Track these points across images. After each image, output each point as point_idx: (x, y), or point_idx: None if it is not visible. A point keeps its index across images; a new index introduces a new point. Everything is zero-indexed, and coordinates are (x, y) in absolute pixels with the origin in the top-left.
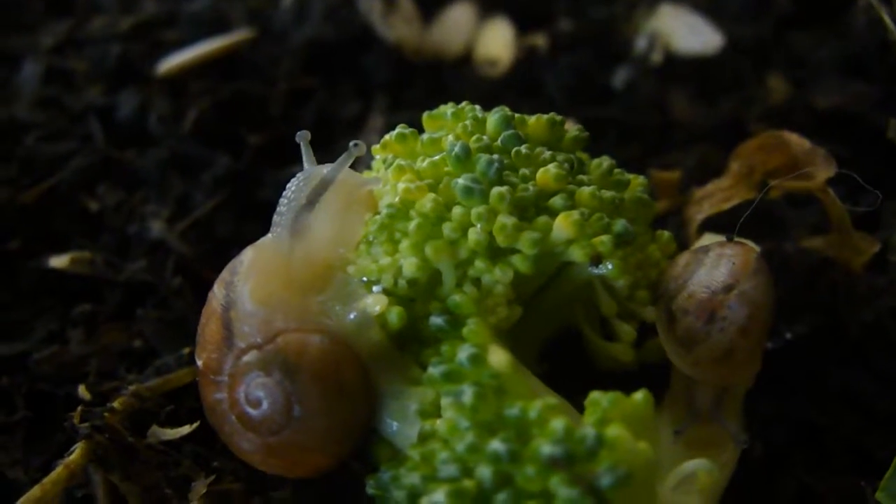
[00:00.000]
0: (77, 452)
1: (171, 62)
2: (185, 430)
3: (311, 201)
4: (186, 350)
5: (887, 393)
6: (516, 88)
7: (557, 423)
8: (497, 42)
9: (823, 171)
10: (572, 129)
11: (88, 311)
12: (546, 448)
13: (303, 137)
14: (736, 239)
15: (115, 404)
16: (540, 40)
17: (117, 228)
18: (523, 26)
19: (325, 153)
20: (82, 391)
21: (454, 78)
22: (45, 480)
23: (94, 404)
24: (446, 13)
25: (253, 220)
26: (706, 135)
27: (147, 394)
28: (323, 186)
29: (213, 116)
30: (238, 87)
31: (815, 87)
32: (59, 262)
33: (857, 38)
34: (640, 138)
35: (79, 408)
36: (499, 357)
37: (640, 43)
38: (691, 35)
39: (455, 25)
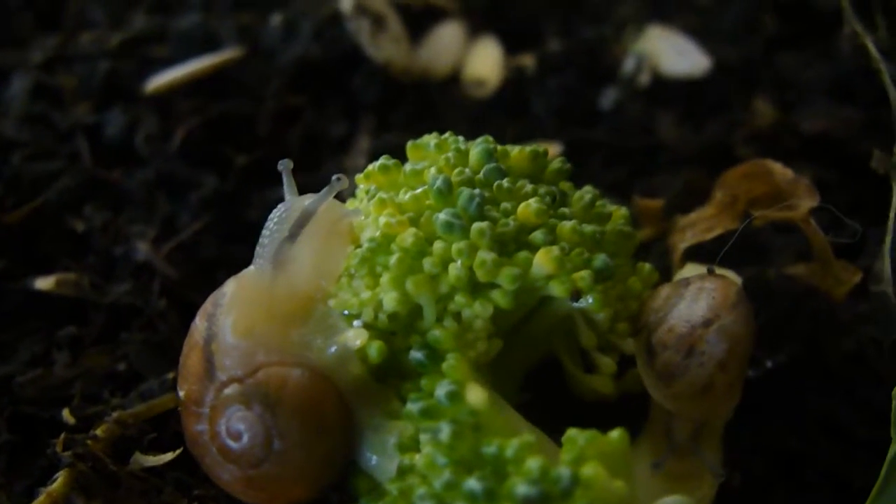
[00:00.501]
0: (59, 481)
1: (160, 80)
2: (168, 456)
3: (293, 234)
4: (171, 375)
5: (867, 421)
6: (504, 109)
7: (533, 463)
8: (485, 62)
9: (806, 201)
10: (555, 160)
11: (73, 334)
12: (521, 489)
13: (285, 166)
14: (717, 271)
15: (98, 431)
16: (528, 61)
17: (103, 250)
18: (512, 47)
19: (312, 174)
20: (66, 415)
21: (442, 98)
22: None
23: (78, 429)
24: (435, 33)
25: (239, 241)
26: (692, 158)
27: (130, 420)
28: (305, 219)
29: (200, 136)
30: (226, 106)
31: (802, 111)
32: (44, 283)
33: (844, 61)
34: (627, 161)
35: (62, 435)
36: (476, 395)
37: (628, 64)
38: (679, 57)
39: (443, 45)
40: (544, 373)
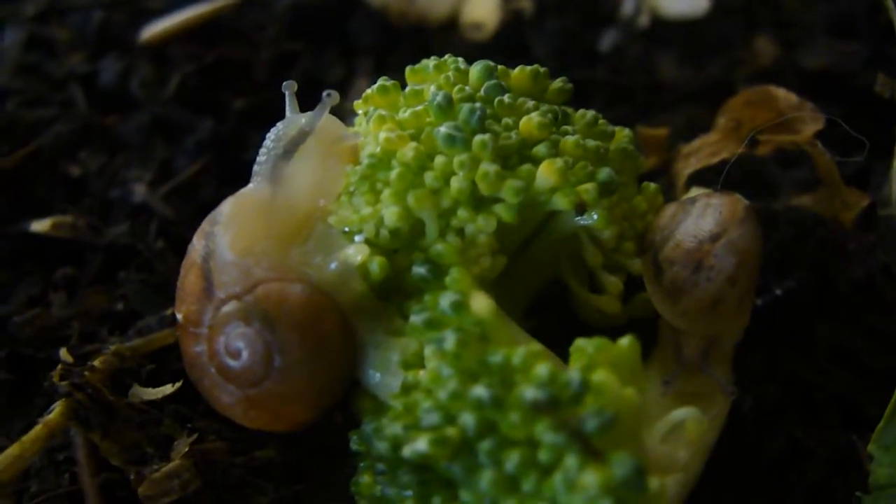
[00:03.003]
0: (56, 411)
1: (154, 29)
2: (168, 389)
3: (289, 151)
4: (169, 311)
5: (877, 349)
6: (502, 52)
7: (542, 369)
8: (483, 5)
9: (811, 124)
10: (557, 80)
11: (70, 275)
12: (530, 393)
13: (289, 87)
14: (723, 190)
15: (96, 363)
16: (526, 3)
17: (99, 193)
18: None
19: None
20: (64, 354)
21: (439, 42)
22: (24, 438)
23: (75, 366)
24: None
25: (237, 183)
26: (694, 96)
27: (128, 353)
28: (301, 136)
29: (196, 82)
30: (222, 53)
31: (804, 48)
32: (40, 226)
33: None
34: (628, 100)
35: (59, 366)
36: (481, 303)
37: (627, 6)
38: None
39: None
40: (549, 301)
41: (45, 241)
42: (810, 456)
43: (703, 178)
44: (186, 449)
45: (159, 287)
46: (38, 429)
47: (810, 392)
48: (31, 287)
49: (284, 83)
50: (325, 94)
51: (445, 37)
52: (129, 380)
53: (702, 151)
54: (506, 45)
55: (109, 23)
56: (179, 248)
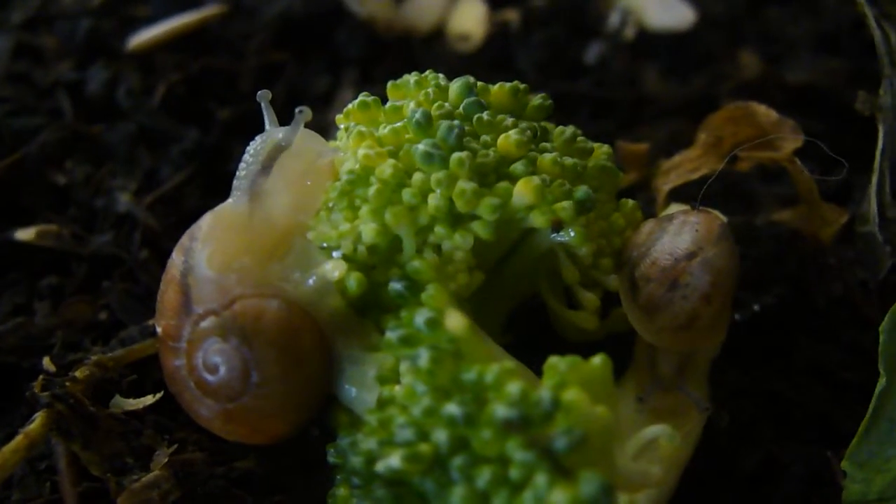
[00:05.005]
0: (37, 421)
1: (142, 37)
2: (148, 400)
3: (266, 166)
4: (151, 322)
5: (854, 364)
6: (488, 64)
7: (513, 387)
8: (469, 17)
9: (791, 141)
10: (536, 97)
11: (54, 284)
12: (501, 411)
13: (264, 97)
14: (701, 207)
15: (77, 374)
16: (512, 15)
17: (85, 202)
18: (496, 1)
19: None
20: (47, 363)
21: (426, 53)
22: (5, 449)
23: (57, 376)
24: None
25: (221, 193)
26: (678, 110)
27: (110, 364)
28: (276, 151)
29: (182, 91)
30: (208, 63)
31: (788, 64)
32: (25, 234)
33: (830, 14)
34: (612, 113)
35: (40, 377)
36: (456, 321)
37: (613, 18)
38: (664, 10)
39: (427, 1)
40: (526, 317)
41: (30, 250)
42: (785, 471)
43: (684, 192)
44: (166, 459)
45: (142, 297)
46: (19, 439)
47: (787, 407)
48: (15, 296)
49: (259, 93)
50: (297, 110)
51: (432, 48)
52: (111, 390)
53: (682, 167)
54: (492, 56)
55: (97, 31)
56: (163, 257)
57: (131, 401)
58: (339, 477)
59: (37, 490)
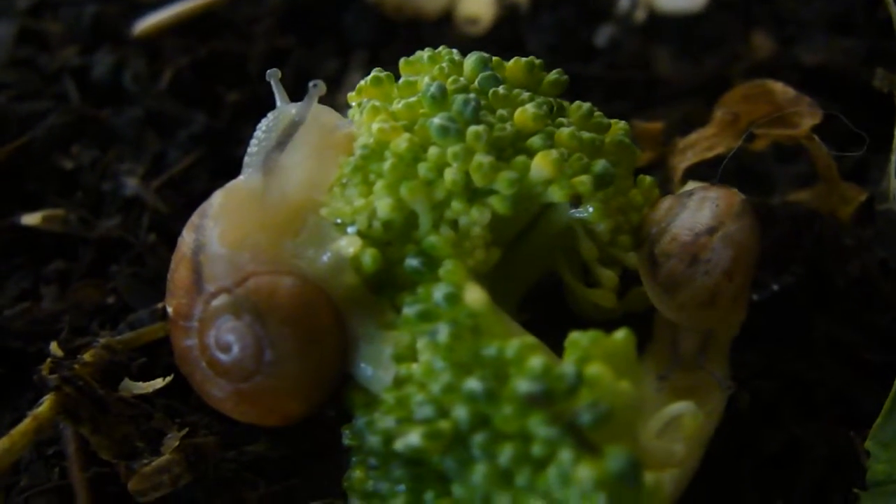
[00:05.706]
0: (46, 404)
1: (148, 22)
2: (158, 383)
3: (282, 142)
4: (160, 305)
5: (874, 344)
6: (498, 47)
7: (535, 361)
8: (478, 0)
9: (809, 119)
10: (552, 72)
11: (62, 269)
12: (524, 386)
13: (273, 75)
14: (719, 183)
15: (86, 357)
16: None
17: (91, 186)
18: None
19: None
20: (54, 347)
21: (434, 36)
22: (13, 432)
23: (65, 360)
24: None
25: (229, 176)
26: (691, 91)
27: (119, 347)
28: (293, 127)
29: (189, 75)
30: (215, 46)
31: (801, 44)
32: (31, 219)
33: None
34: (624, 95)
35: (48, 360)
36: (475, 295)
37: (623, 1)
38: None
39: None
40: (544, 295)
41: (36, 235)
42: (808, 452)
43: (700, 172)
44: (177, 443)
45: (151, 280)
46: (27, 422)
47: (808, 388)
48: (22, 280)
49: (269, 71)
50: (311, 84)
51: (441, 31)
52: (120, 373)
53: (698, 145)
54: (501, 39)
55: (102, 16)
56: (171, 241)
57: (141, 384)
58: (354, 459)
59: (45, 475)
